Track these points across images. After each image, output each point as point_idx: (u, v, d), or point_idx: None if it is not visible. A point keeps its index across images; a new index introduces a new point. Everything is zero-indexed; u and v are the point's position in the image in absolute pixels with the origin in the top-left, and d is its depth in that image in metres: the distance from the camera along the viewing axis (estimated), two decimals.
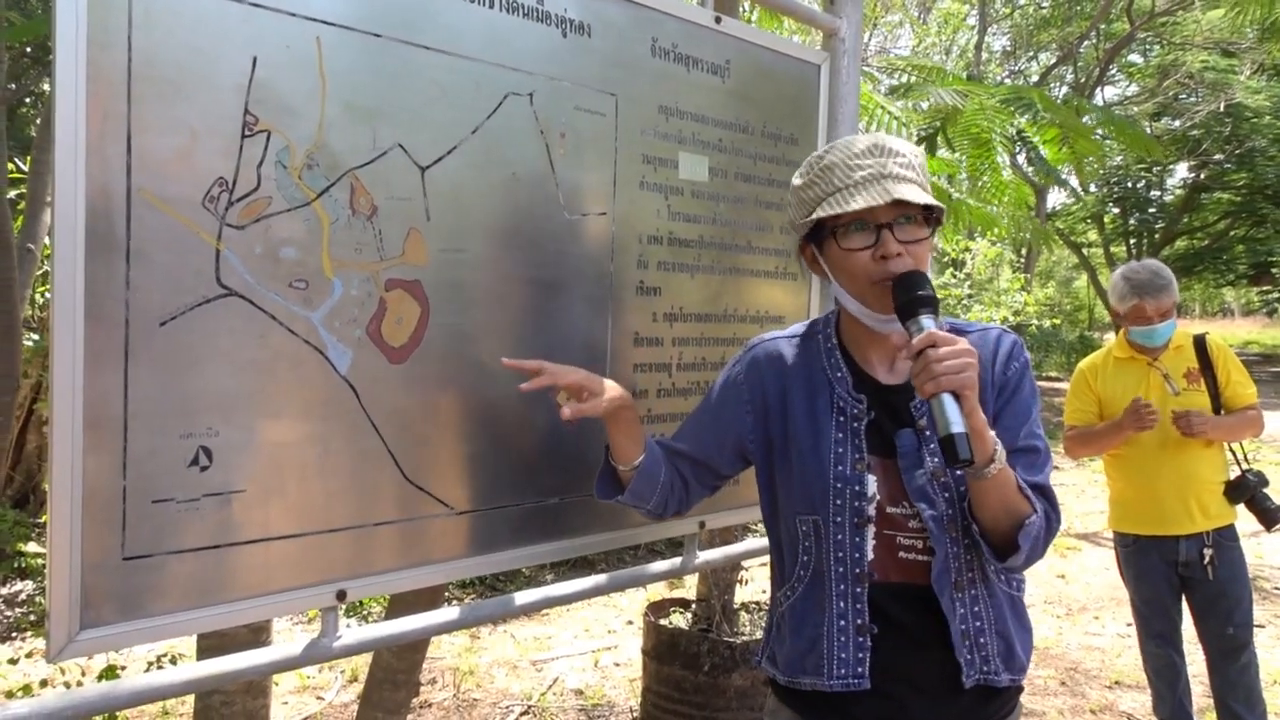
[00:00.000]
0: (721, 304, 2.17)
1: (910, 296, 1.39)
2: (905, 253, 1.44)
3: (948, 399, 1.31)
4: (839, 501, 1.50)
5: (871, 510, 1.49)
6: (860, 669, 1.47)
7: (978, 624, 1.48)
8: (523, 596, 1.87)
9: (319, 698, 4.58)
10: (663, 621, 4.07)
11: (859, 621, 1.48)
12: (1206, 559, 3.33)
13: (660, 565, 2.16)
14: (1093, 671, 5.01)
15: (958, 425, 1.29)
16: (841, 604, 1.48)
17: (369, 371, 1.57)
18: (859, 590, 1.48)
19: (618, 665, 5.15)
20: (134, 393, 1.33)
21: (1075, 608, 6.13)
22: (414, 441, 1.64)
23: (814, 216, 1.48)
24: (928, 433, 1.50)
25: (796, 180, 1.56)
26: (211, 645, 2.32)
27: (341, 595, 1.56)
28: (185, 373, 1.37)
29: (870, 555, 1.49)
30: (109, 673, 2.54)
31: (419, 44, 1.60)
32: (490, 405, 1.75)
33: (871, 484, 1.50)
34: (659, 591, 5.79)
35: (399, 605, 2.55)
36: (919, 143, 4.01)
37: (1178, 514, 3.36)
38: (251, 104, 1.42)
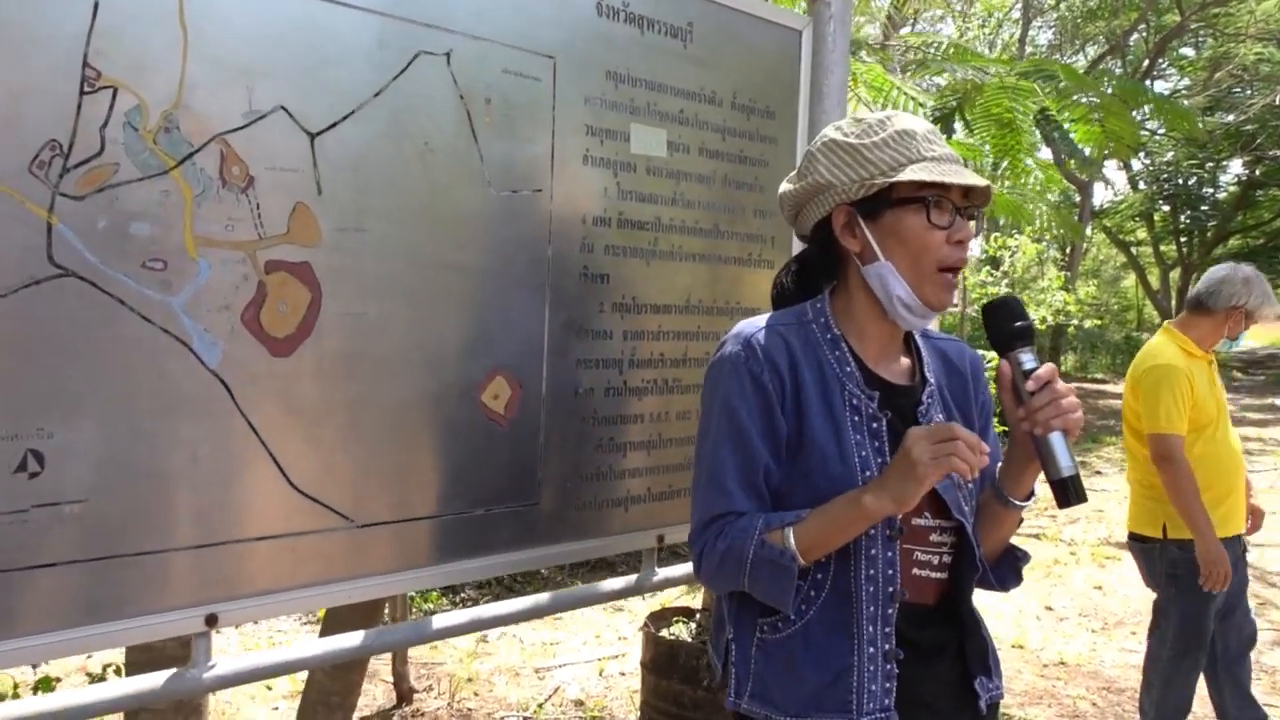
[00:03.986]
0: (684, 294, 1.96)
1: (1014, 326, 1.33)
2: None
3: (1061, 437, 1.27)
4: None
5: (899, 521, 1.34)
6: (888, 700, 1.32)
7: (980, 641, 1.44)
8: (444, 619, 1.67)
9: None
10: (663, 632, 3.87)
11: (887, 647, 1.33)
12: (1248, 550, 3.39)
13: (614, 583, 1.95)
14: (1129, 691, 4.70)
15: (1072, 466, 1.27)
16: (871, 628, 1.32)
17: (246, 365, 1.38)
18: (890, 612, 1.33)
19: (623, 674, 4.95)
20: None
21: (1112, 621, 5.81)
22: (304, 446, 1.44)
23: (903, 178, 1.31)
24: None
25: (847, 138, 1.37)
26: (139, 660, 2.15)
27: (211, 620, 1.37)
28: (10, 364, 1.19)
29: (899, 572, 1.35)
30: (44, 684, 2.40)
31: None
32: (400, 405, 1.55)
33: None
34: (671, 598, 5.58)
35: (334, 621, 2.37)
36: (934, 123, 3.75)
37: (1241, 511, 3.33)
38: (92, 56, 1.23)
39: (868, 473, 1.33)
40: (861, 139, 1.36)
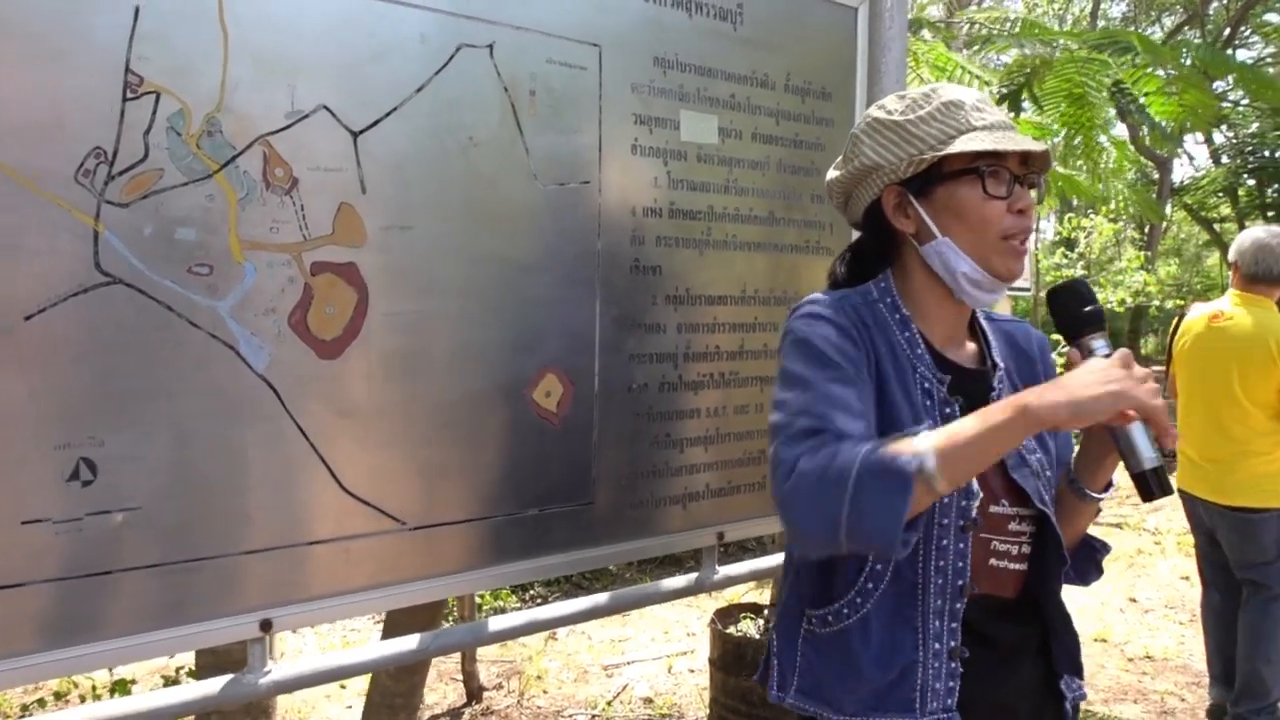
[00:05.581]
0: (740, 284, 1.90)
1: (1083, 311, 1.25)
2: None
3: (1141, 427, 1.19)
4: (945, 500, 1.24)
5: (975, 511, 1.27)
6: (950, 700, 1.24)
7: (1068, 638, 1.37)
8: (501, 621, 1.64)
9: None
10: (730, 629, 3.82)
11: (952, 644, 1.26)
12: None
13: (674, 582, 1.91)
14: None
15: (1155, 458, 1.19)
16: (938, 623, 1.26)
17: (293, 368, 1.37)
18: (958, 606, 1.26)
19: (692, 671, 4.91)
20: None
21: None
22: (354, 448, 1.43)
23: (954, 150, 1.24)
24: None
25: (891, 116, 1.31)
26: (208, 663, 2.18)
27: (266, 625, 1.36)
28: (59, 374, 1.19)
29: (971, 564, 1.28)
30: (120, 686, 2.45)
31: None
32: (450, 406, 1.52)
33: (974, 480, 1.27)
34: (739, 594, 5.52)
35: (395, 622, 2.37)
36: (999, 102, 3.60)
37: None
38: (135, 61, 1.23)
39: None
40: (906, 115, 1.29)
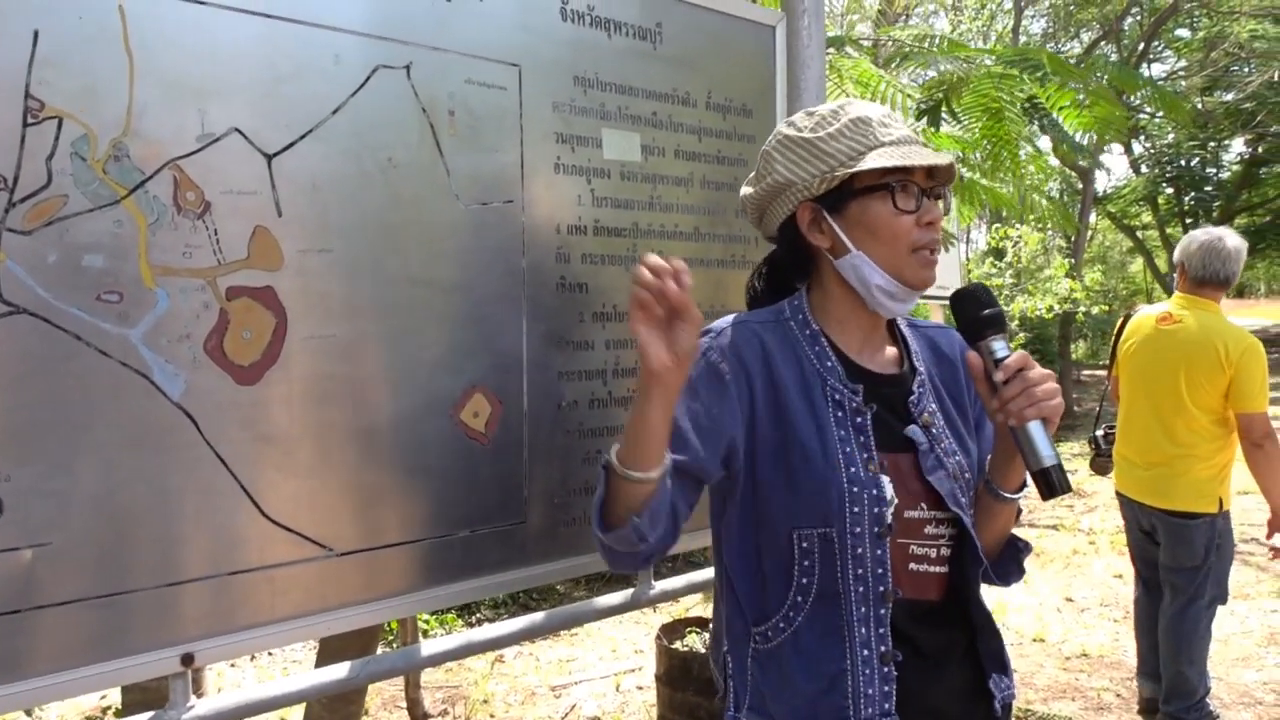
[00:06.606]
0: None
1: (982, 314, 1.27)
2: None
3: (1039, 426, 1.22)
4: (856, 509, 1.27)
5: (890, 517, 1.29)
6: (888, 705, 1.26)
7: (992, 638, 1.38)
8: (433, 645, 1.62)
9: None
10: (676, 644, 3.82)
11: (883, 649, 1.27)
12: None
13: (611, 599, 1.90)
14: None
15: (1053, 456, 1.21)
16: (864, 630, 1.28)
17: (210, 396, 1.34)
18: (882, 612, 1.28)
19: (640, 688, 4.89)
20: None
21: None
22: (276, 475, 1.40)
23: (864, 166, 1.27)
24: (932, 429, 1.35)
25: (801, 133, 1.34)
26: (135, 701, 2.12)
27: (188, 659, 1.33)
28: None
29: (891, 569, 1.30)
30: None
31: (254, 11, 1.38)
32: (375, 429, 1.51)
33: (888, 486, 1.29)
34: (685, 608, 5.52)
35: (329, 649, 2.33)
36: (919, 116, 3.71)
37: None
38: (34, 86, 1.20)
39: (852, 469, 1.28)
40: (816, 132, 1.32)
